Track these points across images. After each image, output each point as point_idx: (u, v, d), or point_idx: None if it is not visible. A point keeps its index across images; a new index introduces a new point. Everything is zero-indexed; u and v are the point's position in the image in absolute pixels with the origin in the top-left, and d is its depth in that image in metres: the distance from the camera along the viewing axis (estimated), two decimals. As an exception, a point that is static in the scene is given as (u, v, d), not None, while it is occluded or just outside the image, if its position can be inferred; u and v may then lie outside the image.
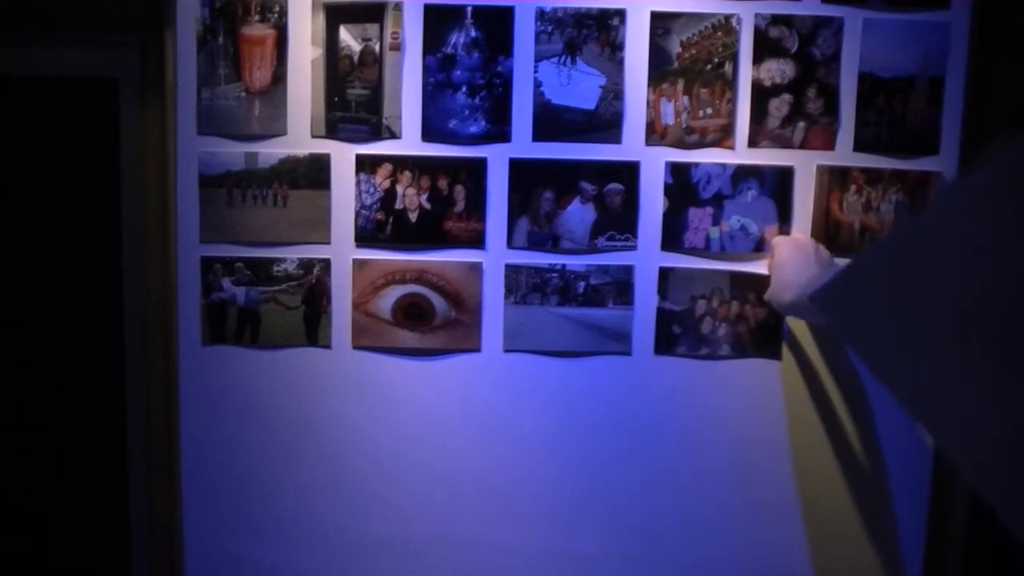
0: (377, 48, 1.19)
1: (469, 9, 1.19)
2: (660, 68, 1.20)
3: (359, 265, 1.22)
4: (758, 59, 1.20)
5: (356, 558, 1.26)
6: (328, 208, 1.21)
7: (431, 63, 1.19)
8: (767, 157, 1.21)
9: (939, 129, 1.20)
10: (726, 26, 1.19)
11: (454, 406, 1.24)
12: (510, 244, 1.22)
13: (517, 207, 1.21)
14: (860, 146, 1.21)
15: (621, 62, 1.20)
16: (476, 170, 1.21)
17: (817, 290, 0.75)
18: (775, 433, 1.24)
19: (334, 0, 1.19)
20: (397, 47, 1.19)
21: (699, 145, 1.21)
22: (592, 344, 1.23)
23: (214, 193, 1.21)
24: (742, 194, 1.21)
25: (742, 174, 1.21)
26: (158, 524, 1.29)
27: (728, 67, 1.20)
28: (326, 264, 1.22)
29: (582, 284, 1.22)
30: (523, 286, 1.22)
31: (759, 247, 1.21)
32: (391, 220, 1.22)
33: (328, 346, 1.23)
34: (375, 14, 1.19)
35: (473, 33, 1.19)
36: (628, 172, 1.21)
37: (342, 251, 1.22)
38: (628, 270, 1.22)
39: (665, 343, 1.23)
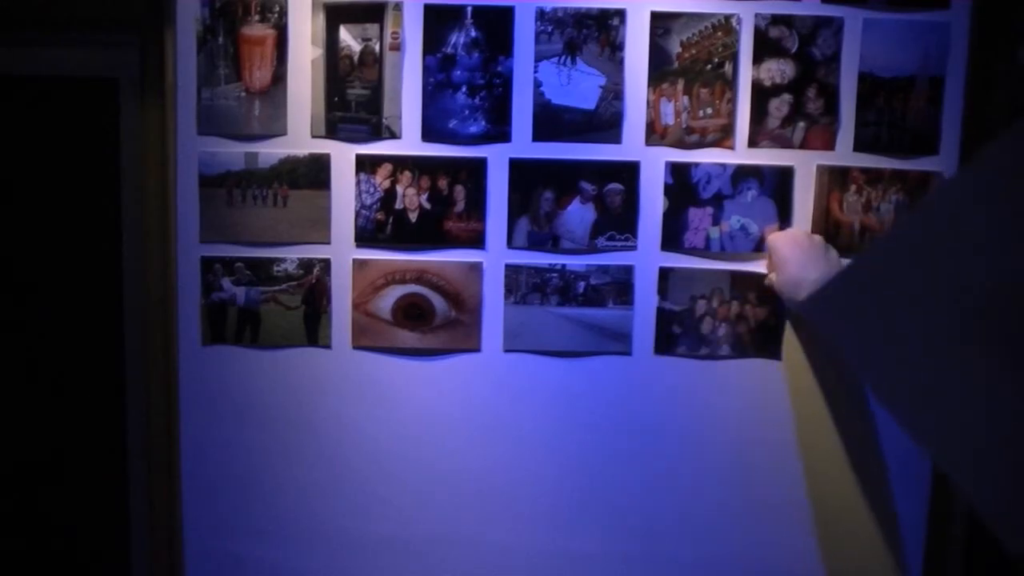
0: (377, 48, 1.19)
1: (469, 9, 1.19)
2: (660, 68, 1.20)
3: (359, 265, 1.22)
4: (758, 59, 1.20)
5: (356, 558, 1.26)
6: (328, 208, 1.21)
7: (431, 63, 1.20)
8: (767, 157, 1.21)
9: (939, 129, 1.20)
10: (726, 26, 1.19)
11: (454, 406, 1.24)
12: (510, 244, 1.22)
13: (517, 207, 1.21)
14: (860, 146, 1.21)
15: (621, 62, 1.20)
16: (476, 170, 1.21)
17: (806, 298, 0.75)
18: (775, 433, 1.24)
19: (334, 0, 1.19)
20: (397, 47, 1.20)
21: (699, 145, 1.21)
22: (592, 344, 1.23)
23: (214, 193, 1.21)
24: (742, 194, 1.21)
25: (742, 174, 1.21)
26: (158, 524, 1.30)
27: (728, 67, 1.20)
28: (326, 264, 1.22)
29: (582, 284, 1.22)
30: (523, 286, 1.22)
31: (759, 247, 1.22)
32: (391, 220, 1.22)
33: (328, 346, 1.23)
34: (375, 14, 1.19)
35: (473, 33, 1.19)
36: (628, 172, 1.21)
37: (342, 251, 1.22)
38: (628, 270, 1.22)
39: (665, 343, 1.23)
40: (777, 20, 1.19)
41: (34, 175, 1.34)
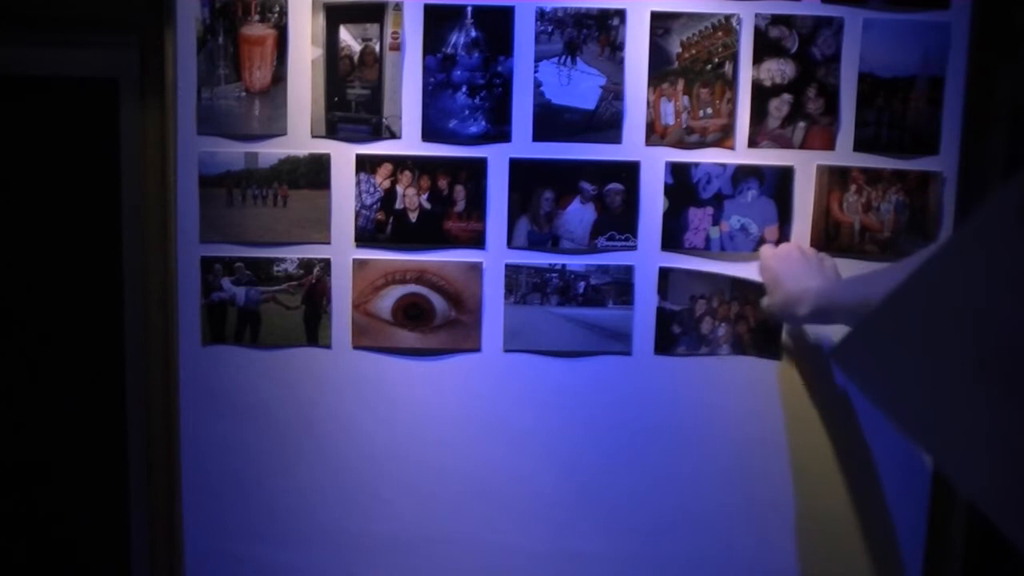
0: (377, 48, 1.19)
1: (469, 9, 1.19)
2: (660, 68, 1.20)
3: (359, 265, 1.22)
4: (758, 59, 1.20)
5: (356, 558, 1.26)
6: (328, 208, 1.21)
7: (431, 63, 1.20)
8: (767, 157, 1.21)
9: (939, 129, 1.20)
10: (726, 26, 1.19)
11: (454, 406, 1.24)
12: (510, 244, 1.22)
13: (517, 207, 1.21)
14: (860, 146, 1.21)
15: (621, 62, 1.20)
16: (476, 170, 1.21)
17: (835, 347, 0.75)
18: (775, 433, 1.24)
19: (334, 0, 1.19)
20: (397, 47, 1.20)
21: (699, 145, 1.21)
22: (592, 344, 1.23)
23: (214, 193, 1.21)
24: (742, 194, 1.21)
25: (742, 174, 1.21)
26: (158, 524, 1.29)
27: (728, 67, 1.20)
28: (326, 264, 1.22)
29: (582, 284, 1.22)
30: (523, 286, 1.22)
31: (759, 247, 1.21)
32: (391, 220, 1.22)
33: (328, 346, 1.23)
34: (375, 14, 1.19)
35: (473, 33, 1.19)
36: (628, 172, 1.21)
37: (342, 251, 1.22)
38: (628, 270, 1.22)
39: (665, 343, 1.23)
40: (777, 20, 1.19)
41: (34, 175, 1.34)
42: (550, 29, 1.19)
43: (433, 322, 1.23)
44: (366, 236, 1.22)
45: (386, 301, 1.22)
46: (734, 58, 1.20)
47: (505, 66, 1.19)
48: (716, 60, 1.20)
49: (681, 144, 1.21)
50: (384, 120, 1.20)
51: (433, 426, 1.24)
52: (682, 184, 1.21)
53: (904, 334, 0.64)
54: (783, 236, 1.22)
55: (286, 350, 1.24)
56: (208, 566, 1.26)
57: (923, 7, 1.19)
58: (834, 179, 1.21)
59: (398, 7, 1.19)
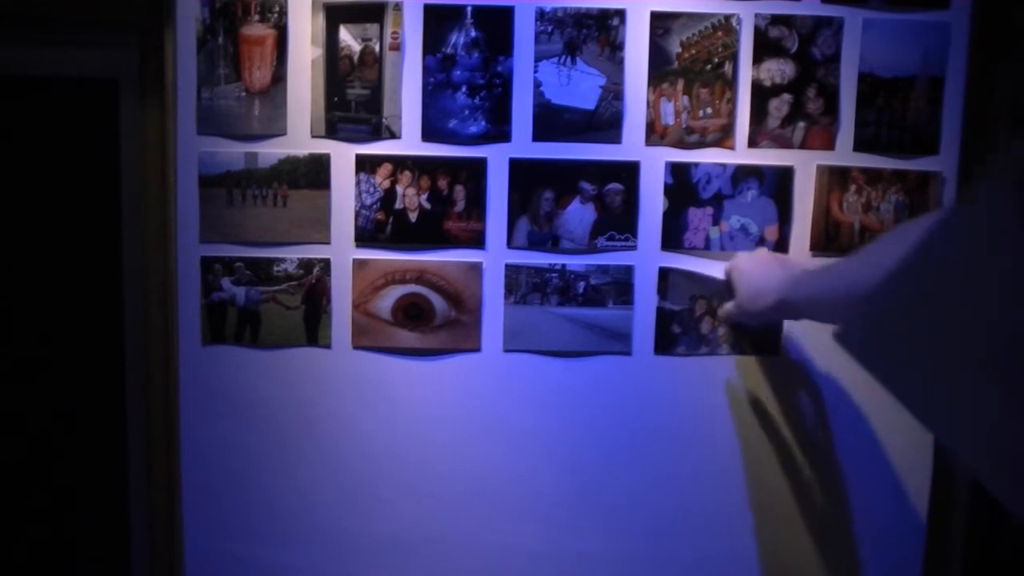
0: (377, 48, 1.19)
1: (469, 9, 1.19)
2: (660, 68, 1.20)
3: (359, 265, 1.22)
4: (758, 59, 1.20)
5: (356, 558, 1.26)
6: (328, 208, 1.21)
7: (431, 63, 1.20)
8: (767, 157, 1.21)
9: (939, 129, 1.20)
10: (726, 26, 1.19)
11: (454, 406, 1.24)
12: (510, 244, 1.22)
13: (517, 207, 1.21)
14: (860, 146, 1.21)
15: (621, 62, 1.20)
16: (476, 170, 1.21)
17: (839, 328, 0.75)
18: (775, 433, 1.24)
19: (334, 0, 1.19)
20: (397, 47, 1.20)
21: (699, 145, 1.21)
22: (592, 344, 1.23)
23: (214, 193, 1.21)
24: (742, 194, 1.21)
25: (742, 174, 1.21)
26: (158, 524, 1.29)
27: (728, 67, 1.20)
28: (326, 264, 1.22)
29: (582, 284, 1.22)
30: (523, 286, 1.22)
31: (759, 247, 1.21)
32: (391, 220, 1.22)
33: (328, 346, 1.23)
34: (375, 14, 1.19)
35: (473, 33, 1.19)
36: (628, 172, 1.21)
37: (342, 251, 1.22)
38: (628, 270, 1.22)
39: (665, 343, 1.23)
40: (777, 20, 1.19)
41: (34, 175, 1.34)
42: (550, 29, 1.19)
43: (433, 322, 1.23)
44: (366, 236, 1.22)
45: (386, 301, 1.22)
46: (734, 58, 1.20)
47: (505, 66, 1.19)
48: (716, 60, 1.20)
49: (681, 144, 1.21)
50: (384, 120, 1.20)
51: (433, 426, 1.24)
52: (682, 184, 1.21)
53: (906, 311, 0.64)
54: (783, 236, 1.22)
55: (286, 350, 1.24)
56: (208, 566, 1.26)
57: (923, 7, 1.19)
58: (834, 179, 1.21)
59: (398, 7, 1.19)
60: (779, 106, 1.20)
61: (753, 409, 1.24)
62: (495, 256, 1.22)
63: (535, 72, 1.20)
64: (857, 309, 0.72)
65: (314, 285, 1.22)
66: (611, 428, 1.24)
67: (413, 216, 1.22)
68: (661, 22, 1.19)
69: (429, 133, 1.21)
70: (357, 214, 1.21)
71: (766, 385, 1.23)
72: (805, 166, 1.21)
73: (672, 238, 1.22)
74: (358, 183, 1.21)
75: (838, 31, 1.19)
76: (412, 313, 1.23)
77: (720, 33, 1.19)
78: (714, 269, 1.21)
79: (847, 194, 1.21)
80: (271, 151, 1.20)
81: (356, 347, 1.23)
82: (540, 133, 1.20)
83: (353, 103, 1.20)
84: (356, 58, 1.20)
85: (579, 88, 1.20)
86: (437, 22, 1.19)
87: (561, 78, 1.20)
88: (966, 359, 0.58)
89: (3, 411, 1.38)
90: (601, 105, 1.20)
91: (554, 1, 1.18)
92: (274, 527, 1.25)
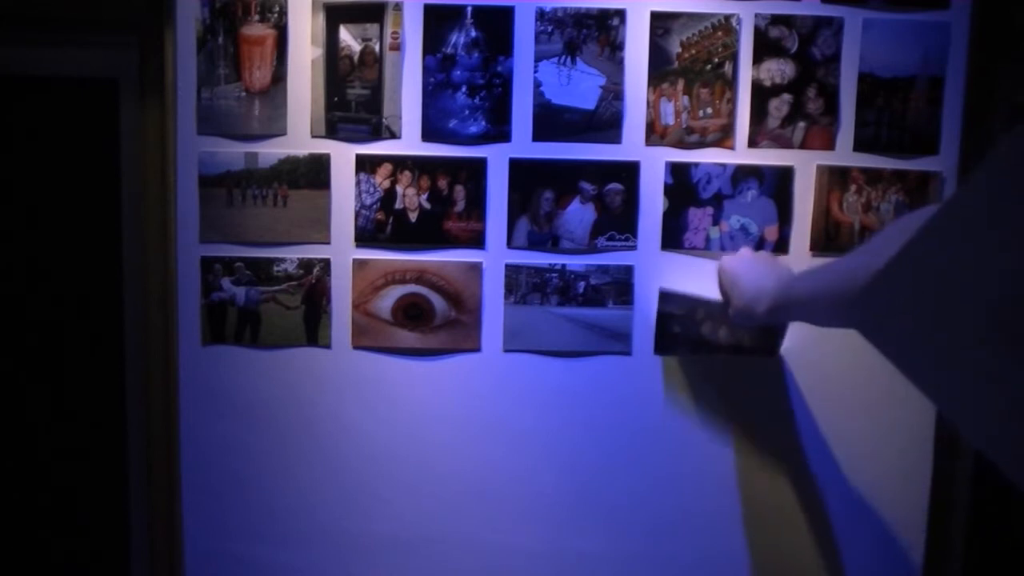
0: (377, 48, 1.19)
1: (469, 9, 1.19)
2: (660, 68, 1.20)
3: (359, 265, 1.22)
4: (758, 59, 1.20)
5: (356, 558, 1.26)
6: (328, 208, 1.21)
7: (431, 63, 1.20)
8: (767, 157, 1.21)
9: (939, 129, 1.20)
10: (726, 26, 1.19)
11: (454, 406, 1.24)
12: (510, 244, 1.22)
13: (517, 207, 1.21)
14: (860, 146, 1.21)
15: (621, 62, 1.20)
16: (476, 170, 1.21)
17: (849, 308, 0.75)
18: (775, 433, 1.24)
19: (334, 0, 1.19)
20: (397, 47, 1.20)
21: (699, 145, 1.21)
22: (592, 344, 1.23)
23: (214, 193, 1.21)
24: (742, 194, 1.21)
25: (742, 174, 1.21)
26: (158, 524, 1.29)
27: (728, 67, 1.20)
28: (326, 264, 1.22)
29: (582, 284, 1.22)
30: (523, 286, 1.22)
31: (759, 248, 1.21)
32: (391, 220, 1.22)
33: (328, 346, 1.23)
34: (375, 14, 1.19)
35: (473, 33, 1.19)
36: (628, 172, 1.21)
37: (342, 251, 1.22)
38: (628, 270, 1.22)
39: (665, 343, 1.23)
40: (777, 20, 1.19)
41: (34, 175, 1.34)
42: (550, 29, 1.19)
43: (433, 322, 1.23)
44: (366, 236, 1.22)
45: (386, 301, 1.22)
46: (734, 58, 1.20)
47: (505, 66, 1.19)
48: (716, 60, 1.20)
49: (681, 144, 1.21)
50: (384, 120, 1.20)
51: (433, 426, 1.24)
52: (682, 184, 1.21)
53: (913, 288, 0.64)
54: (783, 236, 1.22)
55: (286, 350, 1.24)
56: (208, 566, 1.26)
57: (923, 7, 1.19)
58: (834, 179, 1.21)
59: (398, 7, 1.19)
60: (779, 106, 1.20)
61: (753, 409, 1.24)
62: (495, 256, 1.22)
63: (535, 72, 1.20)
64: (866, 290, 0.72)
65: (314, 285, 1.22)
66: (611, 428, 1.24)
67: (413, 216, 1.22)
68: (661, 22, 1.19)
69: (429, 133, 1.21)
70: (357, 214, 1.21)
71: (766, 385, 1.23)
72: (805, 166, 1.21)
73: (672, 238, 1.22)
74: (358, 183, 1.21)
75: (838, 31, 1.19)
76: (412, 313, 1.23)
77: (720, 33, 1.19)
78: (714, 291, 1.16)
79: (847, 194, 1.21)
80: (271, 151, 1.21)
81: (356, 347, 1.23)
82: (540, 133, 1.20)
83: (353, 103, 1.20)
84: (356, 58, 1.20)
85: (579, 88, 1.20)
86: (437, 22, 1.19)
87: (561, 78, 1.20)
88: (976, 332, 0.59)
89: (3, 411, 1.38)
90: (601, 105, 1.20)
91: (554, 1, 1.18)
92: (274, 527, 1.25)
